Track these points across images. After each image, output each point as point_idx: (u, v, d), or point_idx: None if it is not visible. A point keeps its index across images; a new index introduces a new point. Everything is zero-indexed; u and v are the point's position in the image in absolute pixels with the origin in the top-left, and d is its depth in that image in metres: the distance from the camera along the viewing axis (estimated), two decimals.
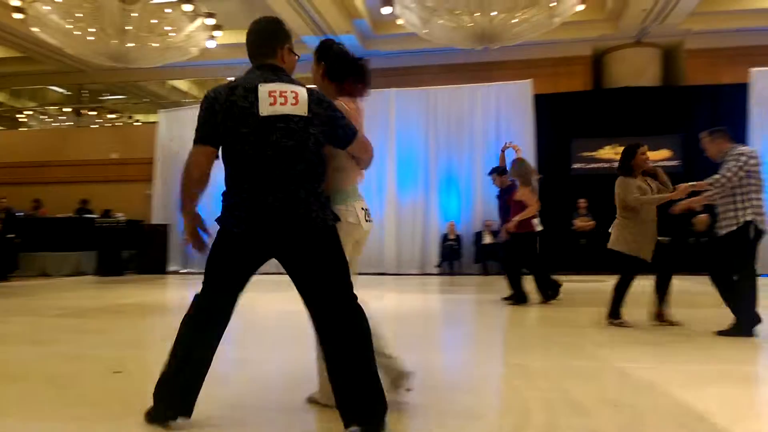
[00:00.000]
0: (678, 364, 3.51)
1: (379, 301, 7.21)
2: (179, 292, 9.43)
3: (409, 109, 12.92)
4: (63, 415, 2.51)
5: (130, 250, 12.82)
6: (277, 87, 2.33)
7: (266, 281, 3.72)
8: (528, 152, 12.11)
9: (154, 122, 15.11)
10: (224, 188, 2.37)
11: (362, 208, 2.56)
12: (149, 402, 2.36)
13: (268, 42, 2.48)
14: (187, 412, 2.32)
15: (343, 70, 2.67)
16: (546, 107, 12.70)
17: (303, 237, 2.26)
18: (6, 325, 5.41)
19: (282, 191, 2.23)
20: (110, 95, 18.00)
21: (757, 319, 4.29)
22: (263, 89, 2.30)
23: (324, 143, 2.36)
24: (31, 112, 17.59)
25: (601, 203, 12.19)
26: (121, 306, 6.88)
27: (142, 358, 3.95)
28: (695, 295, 7.71)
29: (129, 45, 10.29)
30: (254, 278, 2.41)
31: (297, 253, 2.29)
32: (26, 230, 11.55)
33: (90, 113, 17.28)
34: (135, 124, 17.23)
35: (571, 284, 6.49)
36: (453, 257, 12.14)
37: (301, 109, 2.29)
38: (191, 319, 2.38)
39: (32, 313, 6.22)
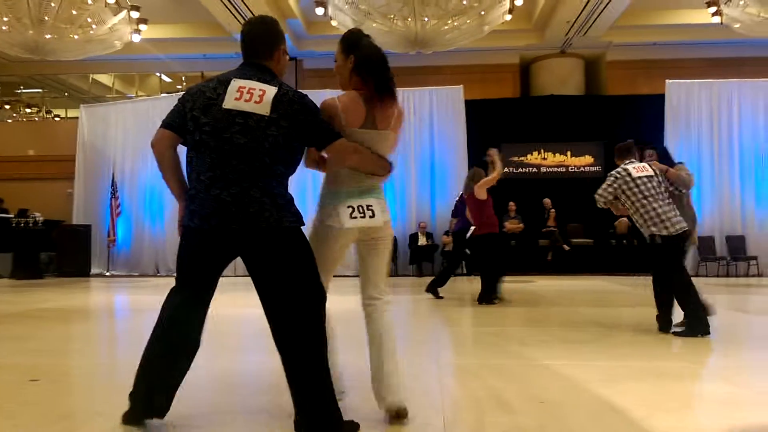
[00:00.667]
0: (600, 361, 3.70)
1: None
2: (103, 295, 9.04)
3: None
4: None
5: (50, 251, 12.16)
6: (247, 84, 2.31)
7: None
8: (460, 156, 12.43)
9: (75, 118, 14.40)
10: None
11: (349, 206, 2.43)
12: (68, 411, 2.26)
13: (268, 43, 2.45)
14: (159, 413, 2.25)
15: (370, 70, 2.51)
16: (477, 113, 13.06)
17: (256, 237, 2.22)
18: None
19: (235, 187, 2.19)
20: (26, 88, 16.98)
21: (705, 318, 4.38)
22: (234, 84, 2.31)
23: (291, 144, 2.30)
24: None
25: (529, 206, 12.71)
26: (40, 311, 6.51)
27: (62, 366, 3.77)
28: (615, 294, 8.14)
29: (47, 36, 9.79)
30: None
31: (251, 253, 2.25)
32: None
33: (5, 107, 16.25)
34: (54, 119, 16.35)
35: (507, 285, 6.69)
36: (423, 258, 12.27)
37: (263, 109, 2.25)
38: (159, 316, 2.32)
39: None
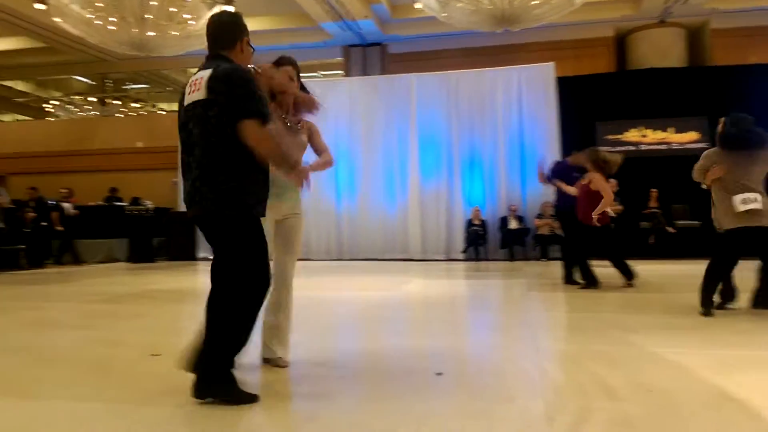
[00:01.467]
0: (710, 349, 3.49)
1: (405, 286, 7.26)
2: (208, 278, 9.60)
3: (430, 94, 12.85)
4: (105, 397, 2.59)
5: (160, 237, 13.06)
6: (197, 75, 2.43)
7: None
8: (552, 136, 12.01)
9: (175, 111, 15.29)
10: None
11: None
12: (185, 384, 2.42)
13: (228, 34, 2.55)
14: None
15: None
16: (569, 90, 12.54)
17: (203, 223, 2.46)
18: (44, 311, 5.57)
19: (190, 177, 2.41)
20: (133, 84, 18.22)
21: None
22: (190, 79, 2.48)
23: (232, 122, 2.31)
24: (57, 103, 17.87)
25: (629, 186, 12.09)
26: (154, 292, 7.04)
27: (177, 343, 4.05)
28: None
29: (149, 33, 10.39)
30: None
31: (206, 237, 2.52)
32: (61, 219, 11.78)
33: (114, 102, 17.52)
34: (159, 112, 17.44)
35: (599, 269, 6.44)
36: (478, 243, 12.12)
37: (201, 94, 2.35)
38: None
39: (69, 299, 6.40)
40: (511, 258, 11.91)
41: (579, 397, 2.46)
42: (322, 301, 6.07)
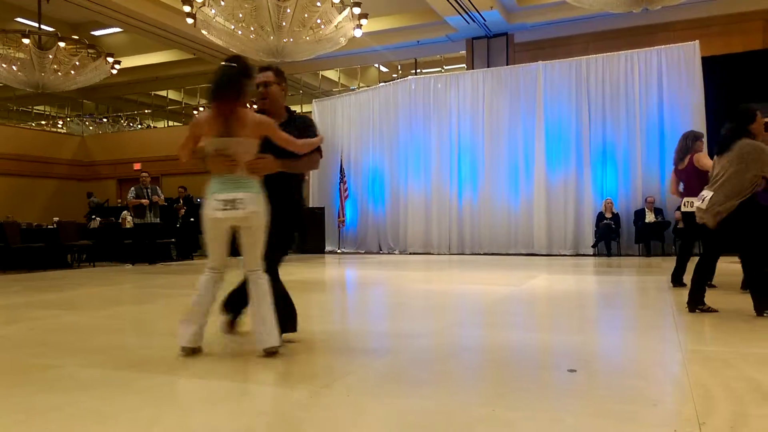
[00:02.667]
0: None
1: (531, 281, 7.07)
2: (335, 270, 9.99)
3: (558, 83, 12.37)
4: (251, 378, 2.80)
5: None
6: None
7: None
8: (697, 122, 11.05)
9: (309, 112, 16.03)
10: None
11: (217, 200, 3.07)
12: (320, 371, 2.54)
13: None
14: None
15: None
16: (716, 70, 11.46)
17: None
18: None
19: None
20: None
21: None
22: None
23: None
24: (202, 109, 19.47)
25: None
26: (287, 282, 7.44)
27: (310, 328, 4.28)
28: None
29: (285, 40, 10.99)
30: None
31: None
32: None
33: (253, 107, 18.74)
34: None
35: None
36: (610, 237, 11.48)
37: None
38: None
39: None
40: (647, 254, 11.14)
41: (733, 402, 2.25)
42: (447, 295, 6.08)
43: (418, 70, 16.40)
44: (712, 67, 11.39)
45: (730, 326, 4.08)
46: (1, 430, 2.10)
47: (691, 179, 5.81)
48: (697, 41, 11.37)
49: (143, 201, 10.82)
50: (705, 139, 6.11)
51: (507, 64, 14.03)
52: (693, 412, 2.13)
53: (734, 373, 2.70)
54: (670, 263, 9.23)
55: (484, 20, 13.65)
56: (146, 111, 21.27)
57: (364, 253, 13.84)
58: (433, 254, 12.81)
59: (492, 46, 14.64)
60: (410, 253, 13.10)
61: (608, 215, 11.51)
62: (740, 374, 2.67)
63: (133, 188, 11.13)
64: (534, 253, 11.99)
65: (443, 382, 2.69)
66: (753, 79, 11.64)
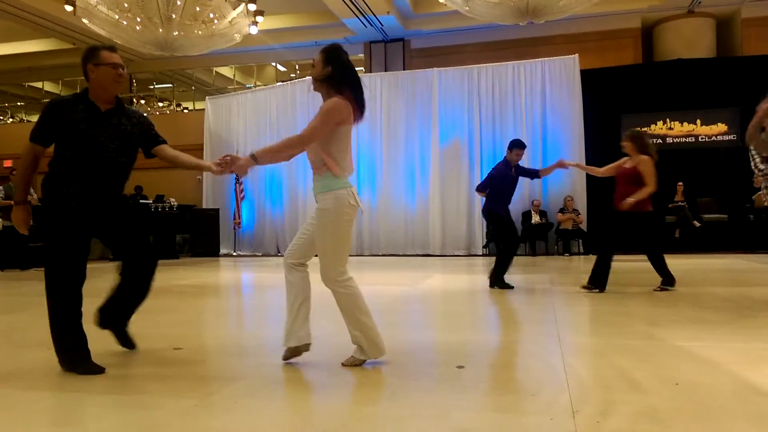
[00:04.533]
0: (737, 342, 3.42)
1: (426, 281, 7.25)
2: (231, 273, 9.69)
3: (451, 89, 12.81)
4: (134, 389, 2.64)
5: (184, 234, 13.23)
6: None
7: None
8: (576, 130, 11.87)
9: (201, 109, 15.45)
10: None
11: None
12: (209, 377, 2.45)
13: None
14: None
15: (347, 81, 2.90)
16: (593, 83, 12.39)
17: None
18: None
19: None
20: (159, 84, 18.47)
21: None
22: None
23: None
24: None
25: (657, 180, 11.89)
26: (178, 287, 7.14)
27: (198, 336, 4.11)
28: (752, 273, 7.45)
29: (175, 33, 10.51)
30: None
31: None
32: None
33: (140, 102, 17.78)
34: (184, 111, 17.64)
35: (621, 264, 6.34)
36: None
37: None
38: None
39: (94, 294, 6.51)
40: (533, 253, 11.81)
41: (603, 391, 2.43)
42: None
43: None
44: (590, 79, 12.29)
45: (605, 319, 4.41)
46: None
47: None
48: (577, 55, 12.22)
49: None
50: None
51: (404, 69, 14.33)
52: (568, 401, 2.27)
53: (606, 363, 2.91)
54: (554, 262, 9.86)
55: (381, 25, 13.86)
56: (19, 103, 19.52)
57: (262, 255, 13.55)
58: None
59: (389, 51, 14.90)
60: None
61: None
62: (611, 364, 2.88)
63: (1, 187, 10.18)
64: (429, 253, 12.32)
65: (335, 383, 2.68)
66: (626, 91, 12.72)
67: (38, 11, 12.39)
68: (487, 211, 6.39)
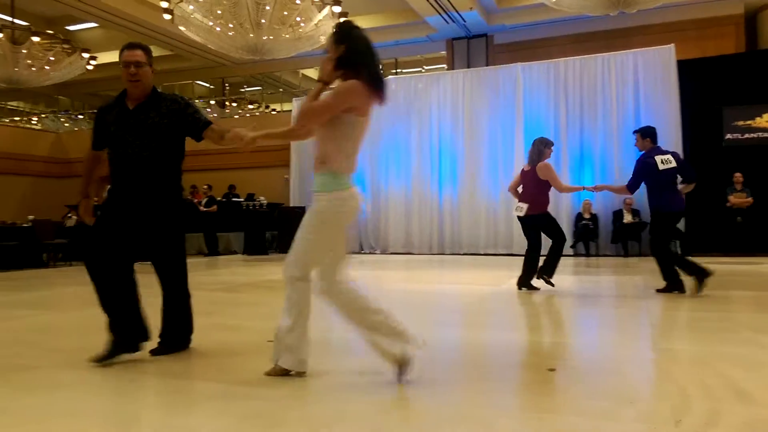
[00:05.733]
0: None
1: (511, 280, 7.13)
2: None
3: (536, 84, 12.49)
4: (232, 380, 2.79)
5: (272, 231, 13.75)
6: None
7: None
8: (672, 124, 11.24)
9: (288, 111, 15.96)
10: None
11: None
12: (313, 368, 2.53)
13: None
14: None
15: (362, 59, 2.62)
16: (692, 74, 11.66)
17: None
18: None
19: None
20: (249, 87, 19.26)
21: None
22: None
23: None
24: None
25: (759, 177, 11.07)
26: (268, 282, 7.44)
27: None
28: None
29: (264, 38, 10.92)
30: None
31: None
32: (187, 213, 12.78)
33: (232, 105, 18.62)
34: (272, 113, 18.30)
35: (724, 266, 5.96)
36: (588, 237, 11.64)
37: None
38: None
39: (195, 287, 6.90)
40: (625, 254, 11.31)
41: (708, 400, 2.31)
42: (428, 295, 6.12)
43: (399, 70, 16.43)
44: (687, 70, 11.60)
45: (706, 325, 4.17)
46: None
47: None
48: (673, 45, 11.57)
49: None
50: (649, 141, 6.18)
51: (487, 65, 14.13)
52: (669, 410, 2.17)
53: (708, 372, 2.76)
54: (646, 263, 9.39)
55: (464, 21, 13.73)
56: None
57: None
58: (414, 254, 12.84)
59: (472, 47, 14.73)
60: (391, 253, 13.12)
61: (586, 216, 11.66)
62: (714, 372, 2.73)
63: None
64: (513, 253, 12.09)
65: (421, 381, 2.69)
66: (728, 82, 11.89)
67: (139, 20, 13.23)
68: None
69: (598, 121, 12.00)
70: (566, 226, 11.89)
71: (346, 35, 2.64)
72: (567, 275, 8.42)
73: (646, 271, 7.96)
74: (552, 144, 6.24)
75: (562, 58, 12.48)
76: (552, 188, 6.09)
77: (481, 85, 13.00)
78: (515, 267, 9.31)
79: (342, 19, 3.06)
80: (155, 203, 3.14)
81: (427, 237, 13.10)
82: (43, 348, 3.57)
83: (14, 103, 19.71)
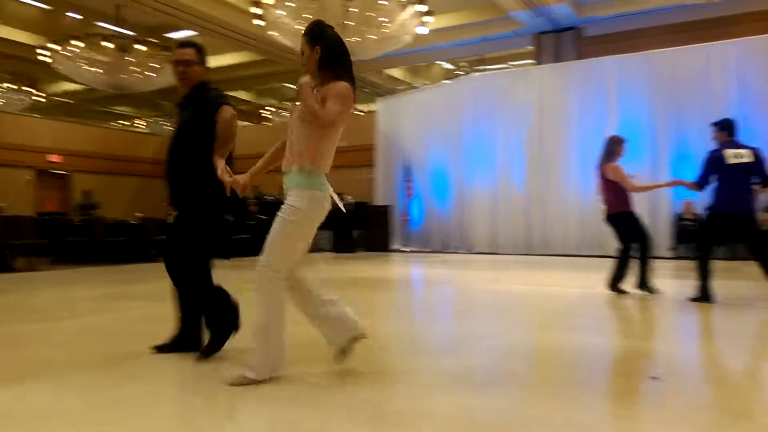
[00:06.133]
0: None
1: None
2: (401, 268, 10.05)
3: (630, 77, 11.93)
4: (315, 372, 2.88)
5: (359, 229, 14.01)
6: None
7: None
8: None
9: (373, 111, 16.18)
10: None
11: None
12: (385, 363, 2.58)
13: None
14: None
15: (338, 59, 2.68)
16: None
17: None
18: None
19: None
20: None
21: None
22: None
23: None
24: (272, 109, 20.04)
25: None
26: (355, 279, 7.60)
27: (378, 326, 4.35)
28: None
29: (350, 39, 11.13)
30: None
31: None
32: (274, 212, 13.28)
33: None
34: (357, 113, 18.63)
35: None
36: (690, 239, 10.98)
37: None
38: None
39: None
40: (732, 257, 10.57)
41: None
42: (515, 296, 6.02)
43: (484, 67, 16.21)
44: None
45: None
46: (90, 417, 2.26)
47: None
48: None
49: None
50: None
51: (577, 59, 13.65)
52: None
53: None
54: (752, 267, 8.74)
55: (553, 14, 13.34)
56: None
57: (430, 251, 13.84)
58: (499, 254, 12.65)
59: (560, 41, 14.28)
60: (476, 253, 12.99)
61: (688, 216, 11.02)
62: None
63: None
64: (607, 255, 11.62)
65: (514, 383, 2.67)
66: None
67: (233, 26, 13.86)
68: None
69: (697, 115, 11.30)
70: (666, 227, 11.30)
71: (320, 36, 2.70)
72: (666, 278, 8.00)
73: (754, 276, 7.42)
74: (624, 141, 6.05)
75: (658, 50, 11.84)
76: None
77: (571, 79, 12.59)
78: (609, 269, 8.96)
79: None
80: (182, 199, 3.16)
81: (513, 236, 12.85)
82: (151, 338, 3.84)
83: (121, 108, 21.20)
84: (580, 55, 13.87)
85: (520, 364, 3.09)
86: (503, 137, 13.13)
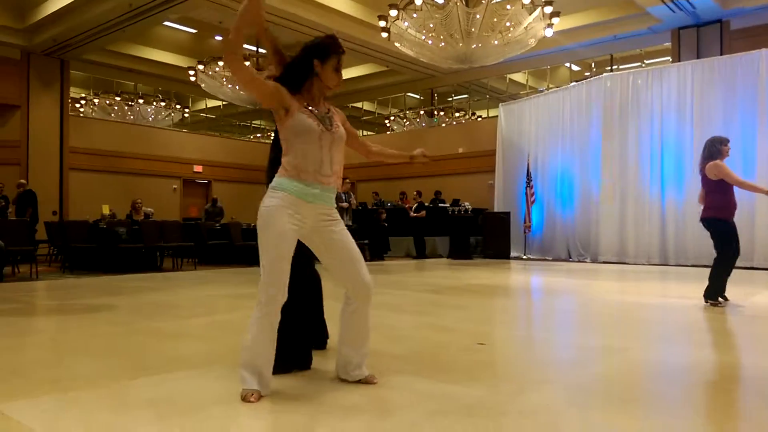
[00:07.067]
0: None
1: (751, 297, 6.23)
2: (521, 276, 9.79)
3: None
4: (439, 378, 2.89)
5: (477, 236, 13.87)
6: None
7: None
8: None
9: (494, 117, 15.96)
10: None
11: None
12: (513, 371, 2.53)
13: None
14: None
15: None
16: None
17: None
18: (385, 296, 6.44)
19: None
20: (456, 96, 19.72)
21: None
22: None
23: None
24: (393, 118, 20.47)
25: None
26: (472, 286, 7.52)
27: (496, 333, 4.28)
28: None
29: (474, 46, 11.06)
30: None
31: None
32: (396, 218, 13.57)
33: (440, 113, 19.22)
34: (478, 120, 18.48)
35: None
36: None
37: None
38: None
39: (404, 288, 7.30)
40: None
41: None
42: (646, 309, 5.63)
43: (614, 67, 15.38)
44: None
45: None
46: (225, 411, 2.44)
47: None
48: None
49: (342, 204, 11.69)
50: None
51: (721, 54, 12.53)
52: None
53: None
54: None
55: (694, 8, 12.37)
56: None
57: (552, 260, 13.34)
58: (629, 264, 11.89)
59: (702, 36, 13.20)
60: (602, 262, 12.32)
61: None
62: None
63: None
64: (753, 266, 10.52)
65: (653, 401, 2.49)
66: None
67: (360, 41, 14.37)
68: None
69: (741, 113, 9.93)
70: None
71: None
72: None
73: None
74: (727, 141, 5.69)
75: None
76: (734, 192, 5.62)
77: (715, 76, 11.58)
78: (757, 282, 8.10)
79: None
80: None
81: (645, 245, 12.03)
82: None
83: (257, 122, 22.74)
84: (726, 50, 12.72)
85: (660, 382, 2.88)
86: (635, 139, 12.38)
